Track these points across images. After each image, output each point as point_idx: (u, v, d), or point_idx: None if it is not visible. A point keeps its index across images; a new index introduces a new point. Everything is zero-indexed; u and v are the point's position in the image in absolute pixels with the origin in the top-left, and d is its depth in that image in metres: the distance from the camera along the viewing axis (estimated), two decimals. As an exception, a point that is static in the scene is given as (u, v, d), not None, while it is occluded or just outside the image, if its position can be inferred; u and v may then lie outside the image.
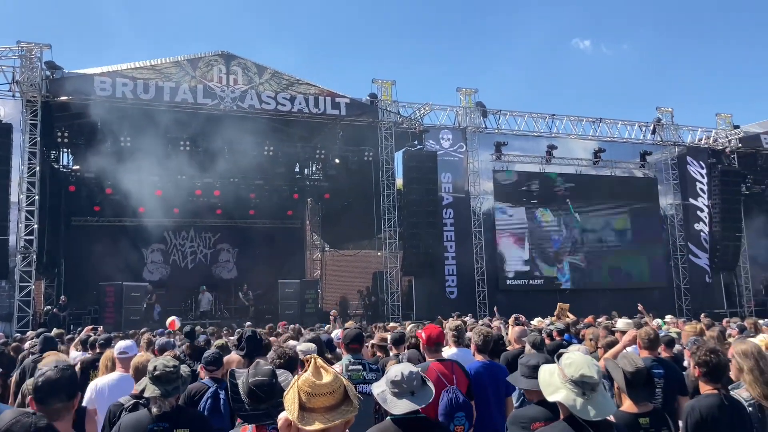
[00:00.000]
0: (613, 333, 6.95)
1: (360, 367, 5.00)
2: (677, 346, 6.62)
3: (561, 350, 3.52)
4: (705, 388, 3.81)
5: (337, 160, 22.14)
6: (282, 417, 2.17)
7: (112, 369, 5.63)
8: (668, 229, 25.82)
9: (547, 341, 7.12)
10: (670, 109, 26.50)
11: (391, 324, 13.34)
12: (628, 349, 6.11)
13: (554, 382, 2.81)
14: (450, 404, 4.35)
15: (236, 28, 73.15)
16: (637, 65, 79.99)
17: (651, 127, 26.21)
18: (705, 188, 26.16)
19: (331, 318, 19.17)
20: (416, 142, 21.72)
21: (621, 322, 7.53)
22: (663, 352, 5.90)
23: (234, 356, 5.73)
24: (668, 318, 12.72)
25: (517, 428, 3.63)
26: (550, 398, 2.81)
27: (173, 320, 12.02)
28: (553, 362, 2.97)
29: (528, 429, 3.56)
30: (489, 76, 77.17)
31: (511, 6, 75.43)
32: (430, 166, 21.14)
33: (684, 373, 5.39)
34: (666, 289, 24.92)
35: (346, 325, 9.94)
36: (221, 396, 4.87)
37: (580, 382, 2.70)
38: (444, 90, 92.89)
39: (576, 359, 2.80)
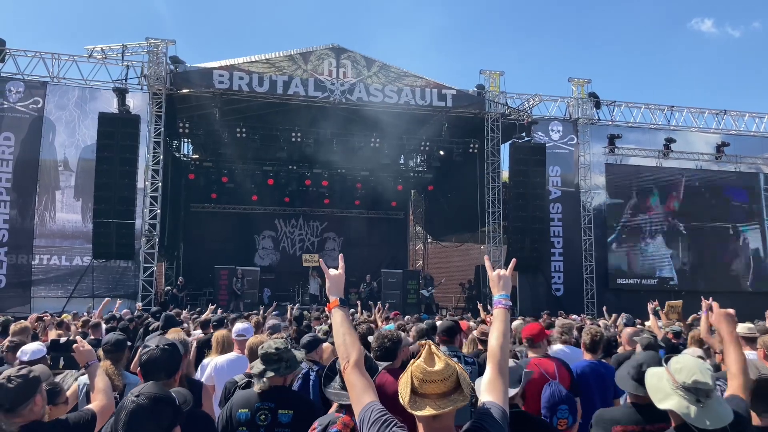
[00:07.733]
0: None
1: (455, 359, 4.97)
2: None
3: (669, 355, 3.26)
4: None
5: (441, 152, 22.05)
6: None
7: (224, 348, 5.91)
8: (800, 230, 23.80)
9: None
10: (806, 100, 24.42)
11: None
12: (748, 355, 5.69)
13: (664, 388, 2.59)
14: (552, 397, 4.35)
15: (345, 21, 74.50)
16: (769, 48, 71.61)
17: (783, 120, 24.26)
18: None
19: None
20: (524, 134, 21.17)
21: (741, 327, 6.97)
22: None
23: (326, 344, 5.85)
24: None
25: (598, 429, 3.43)
26: (661, 406, 2.58)
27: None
28: (661, 366, 2.74)
29: (608, 431, 3.37)
30: (602, 64, 73.38)
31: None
32: (538, 159, 20.58)
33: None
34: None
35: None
36: (311, 377, 5.03)
37: (694, 388, 2.48)
38: (555, 80, 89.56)
39: (687, 363, 2.58)
